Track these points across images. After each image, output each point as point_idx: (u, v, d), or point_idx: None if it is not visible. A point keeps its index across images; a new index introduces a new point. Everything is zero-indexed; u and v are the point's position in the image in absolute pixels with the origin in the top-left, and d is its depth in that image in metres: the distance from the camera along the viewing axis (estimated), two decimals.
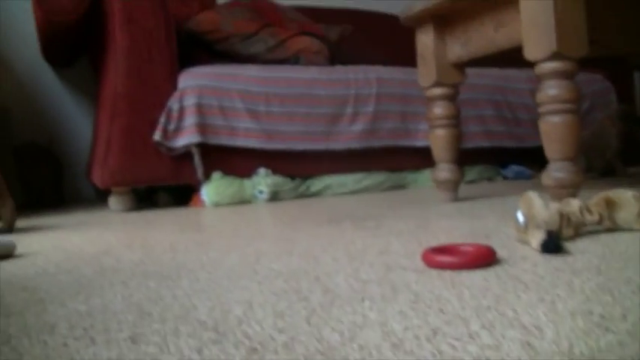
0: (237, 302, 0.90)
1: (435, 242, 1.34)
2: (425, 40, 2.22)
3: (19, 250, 1.65)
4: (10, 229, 2.12)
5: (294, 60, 3.14)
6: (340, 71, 3.02)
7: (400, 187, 3.14)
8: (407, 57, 3.64)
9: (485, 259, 1.04)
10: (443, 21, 2.18)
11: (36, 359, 0.72)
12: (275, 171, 2.83)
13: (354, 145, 2.95)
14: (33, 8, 2.76)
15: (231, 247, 1.46)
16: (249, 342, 0.72)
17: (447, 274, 1.01)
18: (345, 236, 1.52)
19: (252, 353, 0.68)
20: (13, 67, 3.91)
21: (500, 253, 1.15)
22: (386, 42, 4.20)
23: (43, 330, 0.83)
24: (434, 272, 1.03)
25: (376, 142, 3.01)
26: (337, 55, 3.46)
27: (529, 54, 1.76)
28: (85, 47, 3.53)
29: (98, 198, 3.80)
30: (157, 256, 1.39)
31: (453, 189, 2.26)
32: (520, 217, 1.22)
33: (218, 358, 0.67)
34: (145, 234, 1.83)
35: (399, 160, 3.13)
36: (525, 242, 1.22)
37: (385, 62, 3.49)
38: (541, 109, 1.75)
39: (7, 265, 1.40)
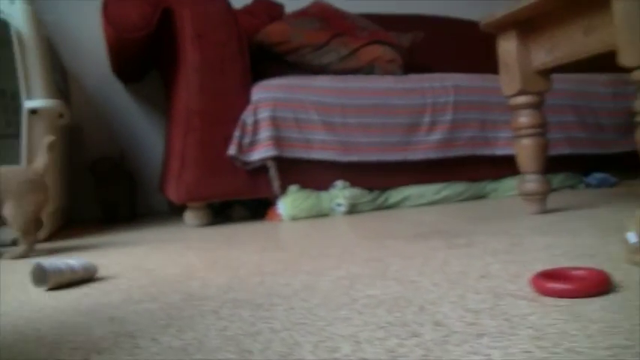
0: (342, 338, 0.84)
1: (535, 263, 1.26)
2: (508, 47, 2.14)
3: (99, 270, 1.61)
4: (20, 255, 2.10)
5: (367, 69, 3.08)
6: (416, 80, 2.94)
7: (479, 197, 3.04)
8: (480, 63, 3.55)
9: (602, 286, 0.96)
10: (526, 27, 2.09)
11: None
12: (352, 183, 2.77)
13: (432, 155, 2.87)
14: (103, 25, 2.75)
15: (320, 269, 1.39)
16: None
17: (563, 302, 0.93)
18: (437, 256, 1.45)
19: None
20: (83, 84, 3.92)
21: (614, 276, 1.06)
22: (458, 48, 4.11)
23: None
24: (547, 300, 0.95)
25: (454, 152, 2.93)
26: (410, 63, 3.38)
27: (625, 59, 1.65)
28: (155, 62, 3.53)
29: (171, 212, 3.79)
30: (244, 279, 1.34)
31: (541, 200, 2.17)
32: (632, 237, 1.13)
33: None
34: (227, 253, 1.78)
35: (479, 169, 3.04)
36: (638, 264, 1.13)
37: (458, 69, 3.40)
38: (638, 119, 1.65)
39: (91, 291, 1.36)
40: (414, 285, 1.14)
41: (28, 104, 2.48)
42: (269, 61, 3.12)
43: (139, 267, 1.66)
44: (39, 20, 2.72)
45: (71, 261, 1.49)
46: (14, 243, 2.18)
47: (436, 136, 2.87)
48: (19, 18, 2.57)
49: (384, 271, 1.31)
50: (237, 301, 1.12)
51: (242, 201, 2.98)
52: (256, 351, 0.81)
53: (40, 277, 1.46)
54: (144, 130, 3.98)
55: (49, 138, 2.19)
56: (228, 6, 2.67)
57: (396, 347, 0.78)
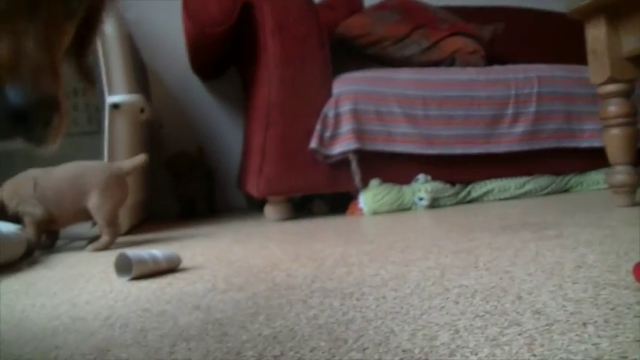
0: (439, 326, 0.80)
1: (632, 254, 1.20)
2: (596, 34, 2.07)
3: (183, 262, 1.61)
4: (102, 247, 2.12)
5: (449, 61, 3.02)
6: (499, 71, 2.88)
7: (564, 191, 2.96)
8: (561, 54, 3.45)
9: None
10: (616, 12, 2.02)
11: None
12: (434, 177, 2.72)
13: (516, 147, 2.80)
14: (183, 21, 2.76)
15: (408, 259, 1.36)
16: None
17: None
18: (528, 247, 1.40)
19: None
20: (163, 81, 3.96)
21: None
22: (538, 39, 4.01)
23: (229, 357, 0.76)
24: None
25: (538, 144, 2.85)
26: (491, 55, 3.31)
27: None
28: (233, 58, 3.54)
29: (250, 207, 3.80)
30: (331, 270, 1.31)
31: (630, 193, 2.09)
32: None
33: None
34: (310, 245, 1.76)
35: (563, 162, 2.95)
36: None
37: (539, 60, 3.31)
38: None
39: (175, 281, 1.36)
40: (508, 275, 1.10)
41: (111, 99, 2.50)
42: (349, 54, 3.09)
43: (222, 259, 1.66)
44: (120, 17, 2.75)
45: (155, 252, 1.50)
46: (95, 239, 2.20)
47: (519, 128, 2.80)
48: None
49: (475, 261, 1.27)
50: (326, 290, 1.10)
51: (322, 195, 2.96)
52: (350, 339, 0.78)
53: (124, 266, 1.47)
54: (222, 127, 4.00)
55: (142, 158, 2.22)
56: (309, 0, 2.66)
57: (497, 336, 0.74)
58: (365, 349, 0.74)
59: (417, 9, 3.25)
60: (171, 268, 1.51)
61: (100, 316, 1.06)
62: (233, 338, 0.84)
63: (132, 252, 1.46)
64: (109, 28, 2.60)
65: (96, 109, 3.67)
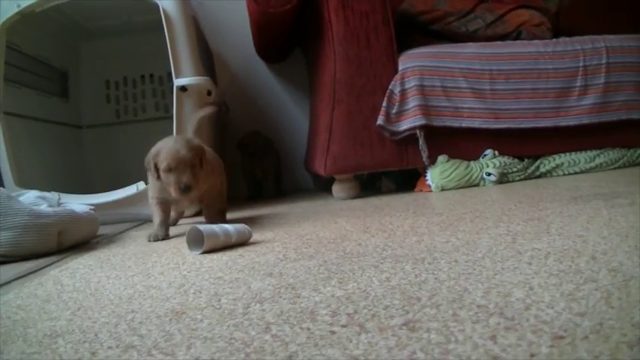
0: (513, 284, 0.80)
1: None
2: None
3: (253, 237, 1.62)
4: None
5: (515, 35, 2.97)
6: (566, 43, 2.82)
7: (636, 164, 2.88)
8: (632, 24, 3.37)
9: None
10: None
11: (303, 347, 0.65)
12: (502, 152, 2.68)
13: (585, 120, 2.74)
14: (247, 3, 2.77)
15: (478, 228, 1.35)
16: (549, 328, 0.61)
17: None
18: (600, 214, 1.37)
19: (559, 340, 0.57)
20: (228, 65, 3.99)
21: None
22: (607, 9, 3.92)
23: (303, 317, 0.76)
24: None
25: (609, 116, 2.78)
26: (557, 27, 3.25)
27: None
28: (297, 41, 3.54)
29: (317, 188, 3.81)
30: (401, 239, 1.31)
31: None
32: None
33: (517, 346, 0.57)
34: (379, 219, 1.76)
35: (635, 134, 2.88)
36: None
37: (608, 32, 3.23)
38: None
39: (246, 253, 1.37)
40: (581, 239, 1.08)
41: (178, 82, 2.53)
42: (414, 30, 3.06)
43: (292, 232, 1.67)
44: (186, 1, 2.78)
45: (227, 225, 1.52)
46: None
47: (589, 100, 2.74)
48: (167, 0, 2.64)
49: (547, 228, 1.25)
50: (397, 256, 1.10)
51: (389, 173, 2.95)
52: (424, 298, 0.78)
53: (196, 240, 1.50)
54: (287, 109, 4.01)
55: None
56: None
57: (573, 291, 0.73)
58: (439, 305, 0.74)
59: None
60: (242, 242, 1.53)
61: (174, 284, 1.08)
62: (306, 299, 0.85)
63: (204, 226, 1.48)
64: (174, 11, 2.63)
65: (163, 96, 3.73)
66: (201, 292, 0.98)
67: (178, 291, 1.01)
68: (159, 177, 1.81)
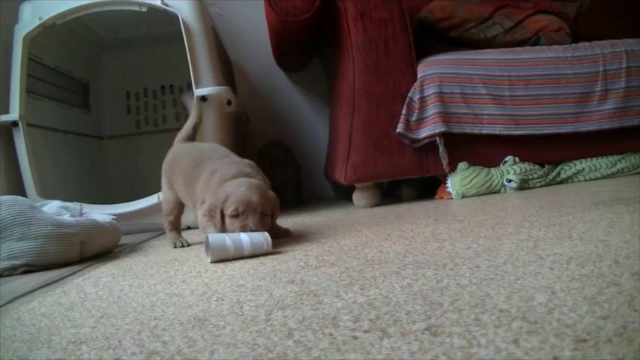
0: (535, 289, 0.80)
1: None
2: None
3: (274, 245, 1.63)
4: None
5: (534, 40, 2.97)
6: (586, 47, 2.80)
7: None
8: None
9: None
10: None
11: (326, 352, 0.65)
12: (522, 158, 2.67)
13: (606, 125, 2.73)
14: (265, 12, 2.78)
15: (499, 234, 1.35)
16: (571, 331, 0.61)
17: None
18: (623, 219, 1.36)
19: (582, 344, 0.57)
20: (247, 74, 4.01)
21: None
22: (626, 14, 3.90)
23: (325, 322, 0.77)
24: None
25: (630, 121, 2.76)
26: (577, 32, 3.24)
27: None
28: (316, 50, 3.55)
29: (337, 196, 3.81)
30: (422, 246, 1.31)
31: None
32: None
33: (540, 349, 0.57)
34: (400, 226, 1.76)
35: None
36: None
37: (628, 35, 3.21)
38: None
39: (267, 260, 1.38)
40: (603, 243, 1.08)
41: (199, 92, 2.55)
42: (432, 38, 3.07)
43: (313, 240, 1.67)
44: (205, 12, 2.80)
45: (244, 236, 1.52)
46: None
47: (609, 105, 2.72)
48: (186, 10, 2.66)
49: (569, 233, 1.25)
50: (418, 263, 1.10)
51: (410, 181, 2.95)
52: (446, 303, 0.78)
53: (206, 249, 1.53)
54: (307, 118, 4.02)
55: None
56: None
57: (596, 295, 0.73)
58: (461, 310, 0.74)
59: None
60: (257, 253, 1.50)
61: (196, 292, 1.09)
62: (328, 306, 0.85)
63: (217, 236, 1.49)
64: (194, 22, 2.65)
65: (183, 106, 3.75)
66: (223, 300, 0.99)
67: (201, 298, 1.02)
68: (223, 223, 1.66)
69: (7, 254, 1.68)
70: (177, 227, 2.09)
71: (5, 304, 1.21)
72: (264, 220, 1.66)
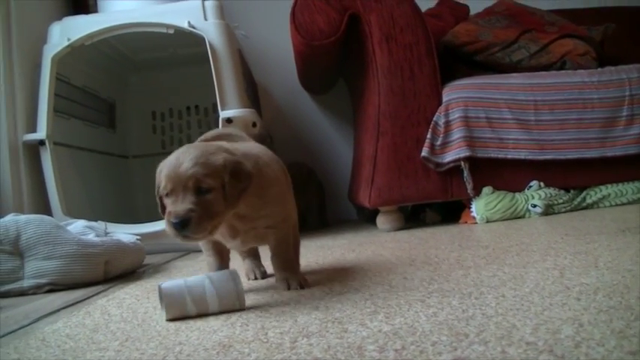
0: (562, 321, 0.79)
1: None
2: None
3: (305, 266, 1.62)
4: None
5: (560, 65, 2.96)
6: (611, 72, 2.79)
7: None
8: None
9: None
10: None
11: None
12: (548, 183, 2.66)
13: (632, 150, 2.70)
14: (291, 34, 2.79)
15: (525, 262, 1.34)
16: None
17: None
18: None
19: None
20: (273, 97, 4.03)
21: None
22: None
23: (350, 352, 0.76)
24: None
25: None
26: (603, 56, 3.22)
27: None
28: (341, 72, 3.56)
29: (360, 219, 3.80)
30: (447, 273, 1.31)
31: None
32: None
33: None
34: (424, 251, 1.75)
35: None
36: None
37: None
38: None
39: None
40: (630, 273, 1.07)
41: (224, 114, 2.56)
42: (457, 62, 3.07)
43: (337, 265, 1.67)
44: (232, 34, 2.81)
45: (207, 284, 1.16)
46: None
47: (636, 130, 2.70)
48: (213, 32, 2.68)
49: (595, 262, 1.24)
50: (444, 290, 1.09)
51: (434, 205, 2.94)
52: (472, 334, 0.78)
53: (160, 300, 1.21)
54: (331, 140, 4.03)
55: None
56: (416, 8, 2.65)
57: (624, 329, 0.72)
58: (487, 342, 0.73)
59: (524, 13, 3.21)
60: (224, 309, 1.15)
61: (220, 317, 1.09)
62: (353, 334, 0.85)
63: (170, 284, 1.18)
64: (220, 44, 2.67)
65: (208, 127, 3.76)
66: (247, 325, 0.99)
67: (225, 323, 1.02)
68: (163, 207, 1.26)
69: (33, 273, 1.70)
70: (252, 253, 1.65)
71: (30, 323, 1.22)
72: (205, 199, 1.16)
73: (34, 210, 2.56)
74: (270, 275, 1.53)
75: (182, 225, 1.12)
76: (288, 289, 1.31)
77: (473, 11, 3.53)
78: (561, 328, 0.75)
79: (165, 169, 1.21)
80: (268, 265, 1.47)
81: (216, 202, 1.17)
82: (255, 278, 1.59)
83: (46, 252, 1.72)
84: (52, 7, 3.14)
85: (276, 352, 0.80)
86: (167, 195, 1.19)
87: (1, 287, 1.66)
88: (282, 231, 1.38)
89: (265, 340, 0.87)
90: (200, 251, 1.52)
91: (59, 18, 2.84)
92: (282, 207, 1.39)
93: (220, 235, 1.32)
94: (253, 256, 1.64)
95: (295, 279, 1.33)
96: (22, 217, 1.79)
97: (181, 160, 1.18)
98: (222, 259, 1.43)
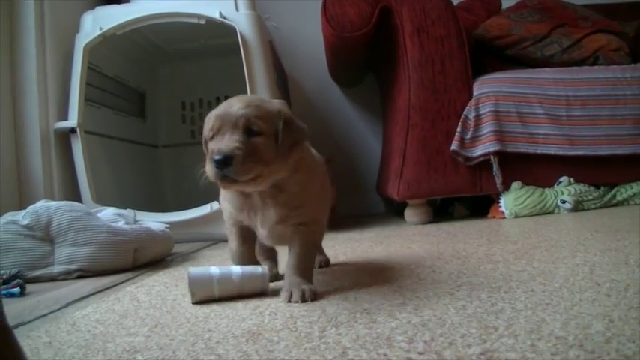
0: (592, 316, 0.79)
1: None
2: None
3: (328, 258, 1.62)
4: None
5: (592, 60, 2.93)
6: None
7: None
8: None
9: None
10: None
11: None
12: (578, 179, 2.64)
13: None
14: (322, 26, 2.79)
15: (554, 258, 1.33)
16: None
17: None
18: None
19: None
20: (302, 89, 4.04)
21: None
22: None
23: (379, 342, 0.76)
24: None
25: None
26: (636, 52, 3.19)
27: None
28: (371, 65, 3.56)
29: (388, 212, 3.80)
30: (475, 266, 1.30)
31: None
32: None
33: None
34: (453, 245, 1.75)
35: None
36: None
37: None
38: None
39: (320, 275, 1.38)
40: None
41: None
42: (488, 56, 3.05)
43: (365, 257, 1.67)
44: (263, 25, 2.82)
45: (235, 269, 1.21)
46: None
47: None
48: (244, 23, 2.68)
49: (625, 259, 1.23)
50: (472, 284, 1.09)
51: (462, 199, 2.93)
52: (501, 327, 0.78)
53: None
54: (360, 133, 4.03)
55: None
56: (448, 2, 2.63)
57: None
58: (517, 335, 0.73)
59: (556, 8, 3.18)
60: (251, 290, 1.19)
61: (249, 305, 1.09)
62: (382, 325, 0.85)
63: (196, 270, 1.20)
64: (251, 35, 2.68)
65: None
66: (276, 314, 0.99)
67: (254, 312, 1.02)
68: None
69: (63, 259, 1.71)
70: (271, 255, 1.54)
71: (60, 308, 1.23)
72: (255, 142, 1.09)
73: (65, 197, 2.58)
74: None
75: (225, 162, 1.05)
76: (289, 301, 1.11)
77: (505, 5, 3.51)
78: (591, 324, 0.75)
79: (215, 111, 1.15)
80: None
81: (265, 147, 1.10)
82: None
83: (76, 238, 1.73)
84: None
85: (305, 341, 0.80)
86: (212, 138, 1.13)
87: (31, 272, 1.68)
88: (310, 234, 1.27)
89: (294, 329, 0.88)
90: (221, 241, 1.47)
91: (92, 7, 2.86)
92: (318, 206, 1.31)
93: (251, 216, 1.24)
94: (271, 258, 1.51)
95: (300, 290, 1.12)
96: (53, 204, 1.81)
97: (233, 102, 1.14)
98: (246, 242, 1.32)
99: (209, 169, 1.09)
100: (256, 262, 1.32)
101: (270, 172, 1.11)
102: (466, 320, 0.83)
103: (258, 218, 1.23)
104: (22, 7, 2.61)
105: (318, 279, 1.32)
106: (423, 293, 1.05)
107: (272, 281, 1.33)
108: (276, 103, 1.17)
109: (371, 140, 3.98)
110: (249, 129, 1.09)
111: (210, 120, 1.14)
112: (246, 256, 1.31)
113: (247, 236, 1.32)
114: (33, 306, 1.27)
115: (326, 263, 1.58)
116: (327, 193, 1.39)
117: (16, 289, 1.46)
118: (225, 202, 1.30)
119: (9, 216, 1.77)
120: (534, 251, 1.46)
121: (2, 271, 1.55)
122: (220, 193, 1.33)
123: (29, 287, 1.52)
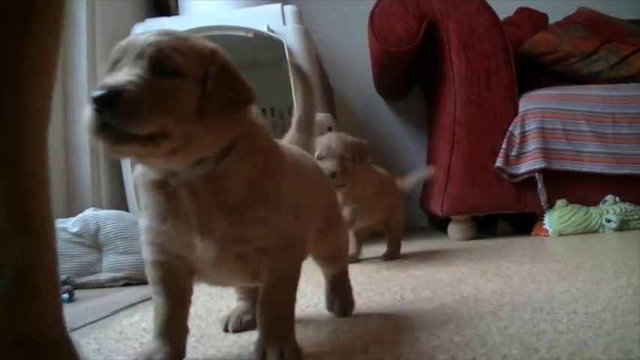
0: (634, 341, 0.79)
1: None
2: None
3: (370, 275, 1.63)
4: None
5: None
6: None
7: None
8: None
9: None
10: None
11: None
12: (623, 198, 2.62)
13: None
14: (369, 42, 2.81)
15: (597, 278, 1.33)
16: None
17: None
18: None
19: None
20: (348, 102, 4.05)
21: None
22: None
23: None
24: None
25: None
26: None
27: None
28: (417, 77, 3.56)
29: (432, 226, 3.79)
30: (518, 286, 1.31)
31: None
32: None
33: None
34: (495, 263, 1.75)
35: None
36: None
37: None
38: None
39: (363, 291, 1.39)
40: None
41: None
42: (535, 71, 3.04)
43: (408, 273, 1.68)
44: (309, 38, 2.84)
45: None
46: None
47: None
48: (291, 37, 2.71)
49: None
50: (515, 304, 1.10)
51: (506, 215, 2.92)
52: (542, 349, 0.78)
53: None
54: (405, 146, 4.03)
55: None
56: (495, 17, 2.64)
57: None
58: (558, 358, 0.74)
59: (604, 23, 3.16)
60: None
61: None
62: (424, 343, 0.86)
63: None
64: (298, 48, 2.70)
65: (283, 130, 3.80)
66: (320, 329, 1.01)
67: (297, 325, 1.03)
68: None
69: (110, 266, 1.76)
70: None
71: (108, 315, 1.27)
72: (166, 82, 0.72)
73: (112, 205, 2.62)
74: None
75: (108, 100, 0.67)
76: None
77: (552, 19, 3.49)
78: (633, 348, 0.76)
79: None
80: None
81: (182, 94, 0.75)
82: (230, 330, 1.05)
83: (123, 247, 1.78)
84: (135, 9, 3.21)
85: (349, 357, 0.82)
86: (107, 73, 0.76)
87: (79, 279, 1.72)
88: (282, 264, 0.87)
89: (338, 345, 0.89)
90: None
91: (142, 19, 2.91)
92: (289, 217, 0.87)
93: (181, 228, 0.81)
94: (249, 299, 1.11)
95: (278, 350, 0.81)
96: (102, 212, 1.86)
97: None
98: (177, 299, 0.89)
99: (85, 116, 0.69)
100: (184, 335, 0.90)
101: (185, 134, 0.73)
102: (508, 341, 0.84)
103: (193, 233, 0.81)
104: (74, 17, 2.66)
105: (360, 294, 1.34)
106: (465, 312, 1.06)
107: (243, 330, 1.04)
108: (212, 44, 0.86)
109: (416, 153, 3.97)
110: (160, 64, 0.74)
111: (112, 53, 0.78)
112: (174, 324, 0.88)
113: (178, 288, 0.90)
114: (81, 312, 1.30)
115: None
116: (321, 200, 1.08)
117: (65, 296, 1.51)
118: (143, 217, 0.87)
119: (59, 223, 1.81)
120: (578, 271, 1.46)
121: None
122: (140, 202, 0.90)
123: (77, 293, 1.56)
